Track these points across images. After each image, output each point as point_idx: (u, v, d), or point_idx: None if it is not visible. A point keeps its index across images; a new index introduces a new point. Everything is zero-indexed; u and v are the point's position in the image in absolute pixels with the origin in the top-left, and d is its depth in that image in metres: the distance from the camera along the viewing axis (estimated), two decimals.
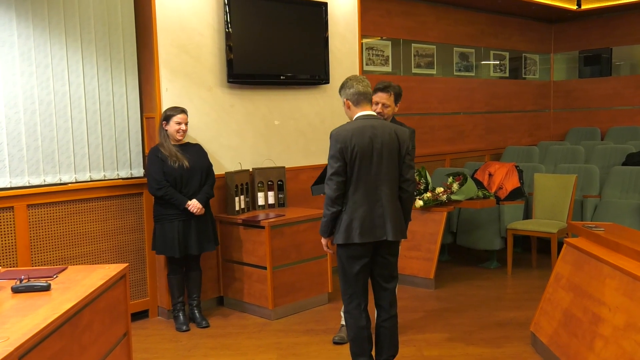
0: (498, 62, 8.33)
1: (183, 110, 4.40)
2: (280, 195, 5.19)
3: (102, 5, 4.43)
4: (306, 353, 3.97)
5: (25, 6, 4.06)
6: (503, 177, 6.13)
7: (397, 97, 3.93)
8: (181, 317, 4.48)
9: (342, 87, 3.33)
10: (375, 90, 3.86)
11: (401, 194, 3.30)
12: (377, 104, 3.86)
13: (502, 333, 4.23)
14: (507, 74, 8.50)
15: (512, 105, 8.54)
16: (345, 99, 3.31)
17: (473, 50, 7.90)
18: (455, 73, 7.68)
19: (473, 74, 7.94)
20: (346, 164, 3.16)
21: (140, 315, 4.68)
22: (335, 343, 4.07)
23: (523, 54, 8.76)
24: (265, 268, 4.58)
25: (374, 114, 3.34)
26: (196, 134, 4.74)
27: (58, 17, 4.22)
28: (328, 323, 4.50)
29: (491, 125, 8.17)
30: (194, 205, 4.32)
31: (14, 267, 3.98)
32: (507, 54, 8.47)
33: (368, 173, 3.19)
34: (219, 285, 4.98)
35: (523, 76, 8.80)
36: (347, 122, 3.30)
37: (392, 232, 3.22)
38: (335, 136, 3.19)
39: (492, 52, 8.21)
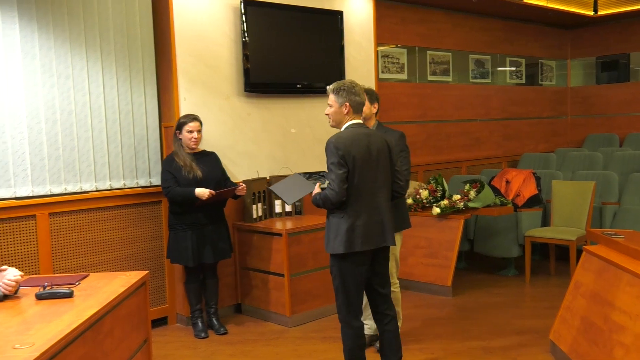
0: (514, 69, 8.31)
1: (195, 118, 4.40)
2: (297, 203, 5.21)
3: (121, 17, 4.50)
4: None
5: (46, 18, 4.14)
6: (520, 184, 6.10)
7: (371, 97, 3.90)
8: (199, 324, 4.51)
9: (345, 90, 3.25)
10: None
11: (394, 197, 3.39)
12: None
13: (520, 341, 4.20)
14: (523, 81, 8.47)
15: (529, 111, 8.50)
16: (347, 104, 3.26)
17: (489, 57, 7.88)
18: (471, 80, 7.67)
19: (489, 81, 7.92)
20: (348, 170, 3.17)
21: (159, 322, 4.72)
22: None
23: (539, 61, 8.72)
24: (282, 275, 4.60)
25: (362, 122, 3.35)
26: (214, 143, 4.79)
27: (78, 28, 4.29)
28: None
29: (508, 132, 8.13)
30: (202, 193, 4.21)
31: (36, 274, 4.04)
32: (523, 61, 8.44)
33: (366, 181, 3.21)
34: (236, 293, 5.01)
35: (539, 82, 8.76)
36: (341, 131, 3.28)
37: (390, 237, 3.29)
38: (335, 143, 3.16)
39: (508, 59, 8.19)
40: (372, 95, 3.93)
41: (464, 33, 7.51)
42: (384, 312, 3.40)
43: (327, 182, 3.38)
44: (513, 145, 8.19)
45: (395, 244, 3.41)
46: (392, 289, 3.96)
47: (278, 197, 3.90)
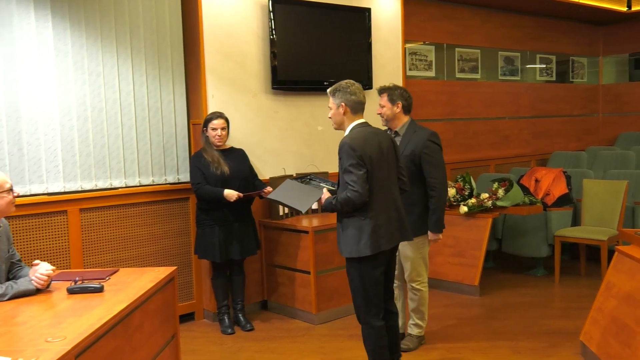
0: (544, 66, 8.17)
1: (220, 116, 4.42)
2: None
3: (151, 14, 4.55)
4: (350, 358, 3.97)
5: (78, 16, 4.21)
6: (550, 183, 6.00)
7: (392, 97, 3.84)
8: (226, 320, 4.54)
9: (340, 90, 3.24)
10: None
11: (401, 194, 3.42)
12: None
13: (550, 342, 4.14)
14: (553, 78, 8.33)
15: (559, 109, 8.35)
16: (343, 104, 3.23)
17: (518, 54, 7.77)
18: (500, 77, 7.57)
19: (518, 78, 7.81)
20: (367, 170, 3.14)
21: (186, 318, 4.77)
22: (403, 351, 3.95)
23: (570, 57, 8.57)
24: (309, 273, 4.60)
25: (365, 121, 3.31)
26: (241, 140, 4.81)
27: (109, 26, 4.35)
28: None
29: (538, 130, 8.01)
30: (230, 195, 4.26)
31: (67, 269, 4.11)
32: (554, 58, 8.29)
33: (381, 179, 3.21)
34: (262, 290, 5.03)
35: (570, 80, 8.61)
36: (351, 132, 3.24)
37: (409, 233, 3.38)
38: (350, 144, 3.12)
39: (538, 56, 8.06)
40: (392, 94, 3.84)
41: (493, 30, 7.41)
42: (388, 308, 3.43)
43: (329, 184, 3.42)
44: (543, 144, 8.07)
45: (412, 239, 3.47)
46: (419, 287, 3.97)
47: (287, 207, 3.79)
